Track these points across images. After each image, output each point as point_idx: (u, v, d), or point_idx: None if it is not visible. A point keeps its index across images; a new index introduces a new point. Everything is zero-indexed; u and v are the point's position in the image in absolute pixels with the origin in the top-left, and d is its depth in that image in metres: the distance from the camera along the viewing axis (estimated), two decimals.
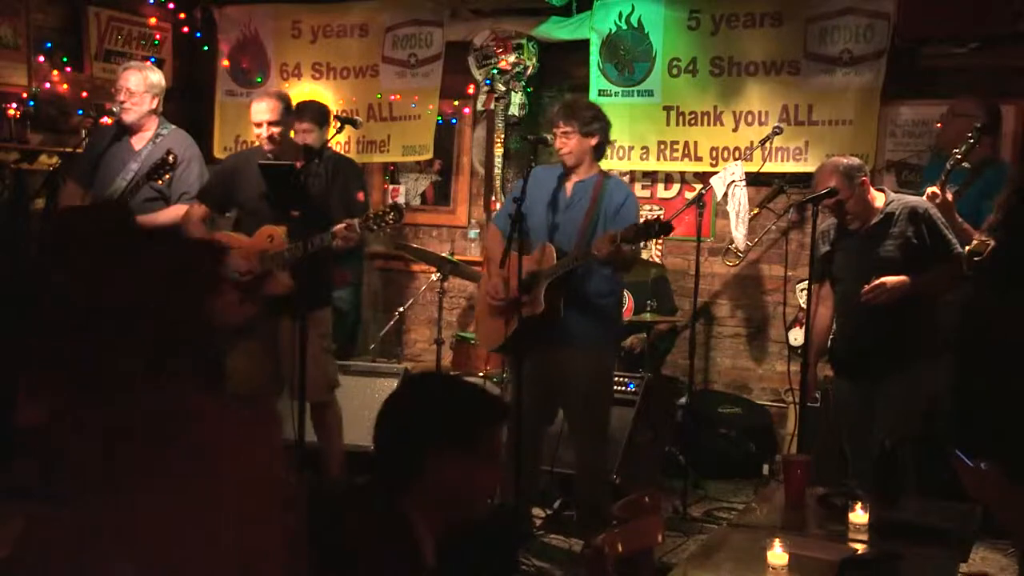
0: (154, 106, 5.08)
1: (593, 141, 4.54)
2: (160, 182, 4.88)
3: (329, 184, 4.75)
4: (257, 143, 4.87)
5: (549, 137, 4.62)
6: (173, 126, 5.16)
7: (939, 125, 5.37)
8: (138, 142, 5.07)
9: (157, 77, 5.11)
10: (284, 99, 4.82)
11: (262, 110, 4.71)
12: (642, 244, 5.23)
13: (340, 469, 4.97)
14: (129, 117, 5.02)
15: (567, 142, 4.52)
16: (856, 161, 4.38)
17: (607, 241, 4.24)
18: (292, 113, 4.88)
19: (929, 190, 4.45)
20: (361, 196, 4.82)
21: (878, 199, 4.36)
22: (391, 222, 4.56)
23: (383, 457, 2.13)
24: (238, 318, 4.89)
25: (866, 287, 4.25)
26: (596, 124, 4.53)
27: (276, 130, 4.70)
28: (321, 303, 4.88)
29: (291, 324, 4.75)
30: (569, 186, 4.58)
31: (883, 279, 4.22)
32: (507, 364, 4.77)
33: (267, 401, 1.94)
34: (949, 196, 4.43)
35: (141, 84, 5.01)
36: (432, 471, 2.04)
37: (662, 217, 6.08)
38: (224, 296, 5.21)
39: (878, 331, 4.26)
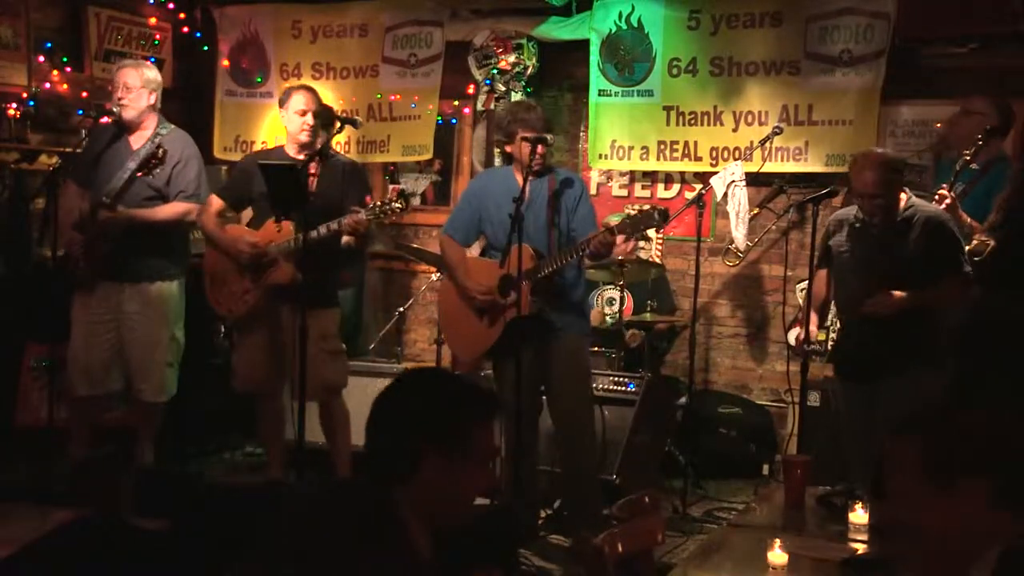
0: (152, 102, 5.07)
1: None
2: (152, 176, 4.89)
3: (344, 187, 4.79)
4: (281, 143, 5.12)
5: (548, 137, 4.63)
6: (172, 126, 5.15)
7: (938, 125, 5.37)
8: (137, 141, 5.06)
9: (153, 73, 5.12)
10: (316, 93, 5.06)
11: (308, 100, 4.92)
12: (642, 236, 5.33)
13: (348, 469, 4.97)
14: (128, 114, 5.02)
15: (545, 154, 4.63)
16: (898, 158, 4.31)
17: (605, 233, 4.31)
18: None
19: (939, 192, 4.43)
20: (369, 200, 4.83)
21: (901, 200, 4.28)
22: (398, 210, 4.56)
23: (375, 455, 2.11)
24: (242, 308, 4.91)
25: (869, 301, 4.22)
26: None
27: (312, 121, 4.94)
28: (323, 303, 4.87)
29: (294, 317, 4.78)
30: (526, 187, 4.59)
31: (888, 293, 4.19)
32: (492, 364, 4.77)
33: None
34: (954, 195, 4.42)
35: (138, 79, 5.01)
36: (426, 470, 2.02)
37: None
38: (229, 286, 5.23)
39: (882, 333, 4.22)
